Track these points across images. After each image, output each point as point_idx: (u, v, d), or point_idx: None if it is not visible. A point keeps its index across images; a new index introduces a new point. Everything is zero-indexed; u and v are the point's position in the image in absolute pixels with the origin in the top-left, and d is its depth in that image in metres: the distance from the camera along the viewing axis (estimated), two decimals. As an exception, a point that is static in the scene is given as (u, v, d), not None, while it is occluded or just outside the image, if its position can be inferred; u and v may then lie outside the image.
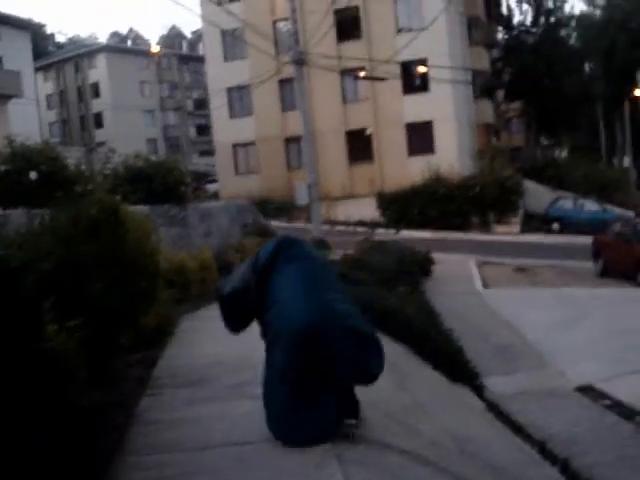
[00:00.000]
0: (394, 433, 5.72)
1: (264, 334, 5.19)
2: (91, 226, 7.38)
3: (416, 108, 38.08)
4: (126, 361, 8.16)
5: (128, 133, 66.18)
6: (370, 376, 5.18)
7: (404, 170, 37.51)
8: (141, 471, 4.81)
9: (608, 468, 7.82)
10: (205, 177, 51.99)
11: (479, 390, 10.86)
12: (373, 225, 33.99)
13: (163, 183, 16.43)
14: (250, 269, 5.24)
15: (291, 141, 40.44)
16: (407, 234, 31.39)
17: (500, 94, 53.14)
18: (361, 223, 34.63)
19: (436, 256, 22.05)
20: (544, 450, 8.62)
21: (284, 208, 36.61)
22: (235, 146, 43.49)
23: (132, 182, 16.67)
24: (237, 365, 7.54)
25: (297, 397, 4.90)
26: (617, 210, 34.30)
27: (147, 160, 17.91)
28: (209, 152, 63.22)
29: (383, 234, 30.86)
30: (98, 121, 74.60)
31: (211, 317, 11.47)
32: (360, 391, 5.34)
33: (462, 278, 20.21)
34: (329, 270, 5.64)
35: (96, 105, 74.47)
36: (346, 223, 35.13)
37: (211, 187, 45.59)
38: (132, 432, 5.74)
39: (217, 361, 7.86)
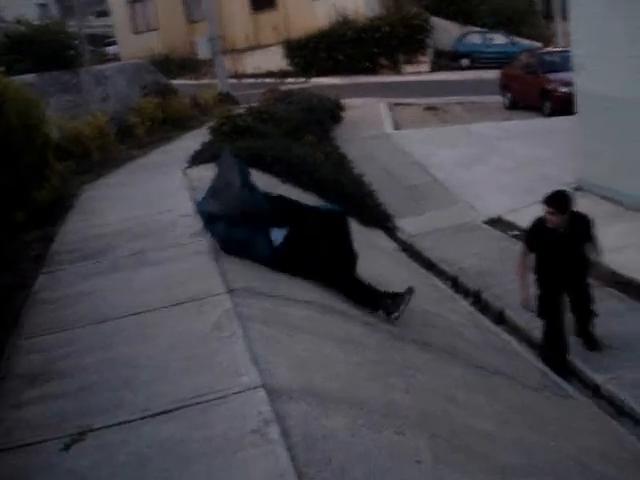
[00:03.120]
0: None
1: None
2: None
3: (317, -53, 36.31)
4: (23, 240, 7.80)
5: (15, -1, 61.73)
6: None
7: (310, 15, 36.12)
8: (35, 354, 4.58)
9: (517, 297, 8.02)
10: (104, 39, 49.33)
11: (392, 232, 10.95)
12: (282, 75, 33.03)
13: (49, 48, 15.28)
14: None
15: (189, -8, 38.40)
16: (317, 81, 30.66)
17: None
18: (270, 74, 33.59)
19: (347, 101, 21.68)
20: (457, 284, 8.82)
21: (188, 65, 35.13)
22: (131, 2, 41.07)
23: (15, 50, 15.48)
24: (139, 232, 7.25)
25: None
26: (526, 42, 34.03)
27: (29, 25, 16.56)
28: (106, 13, 59.69)
29: (293, 83, 30.12)
30: (-20, -13, 69.22)
31: (114, 184, 11.06)
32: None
33: (373, 122, 19.96)
34: None
35: (-25, -31, 68.84)
36: (255, 75, 34.03)
37: (111, 49, 43.36)
38: (29, 313, 5.49)
39: (118, 230, 7.55)
